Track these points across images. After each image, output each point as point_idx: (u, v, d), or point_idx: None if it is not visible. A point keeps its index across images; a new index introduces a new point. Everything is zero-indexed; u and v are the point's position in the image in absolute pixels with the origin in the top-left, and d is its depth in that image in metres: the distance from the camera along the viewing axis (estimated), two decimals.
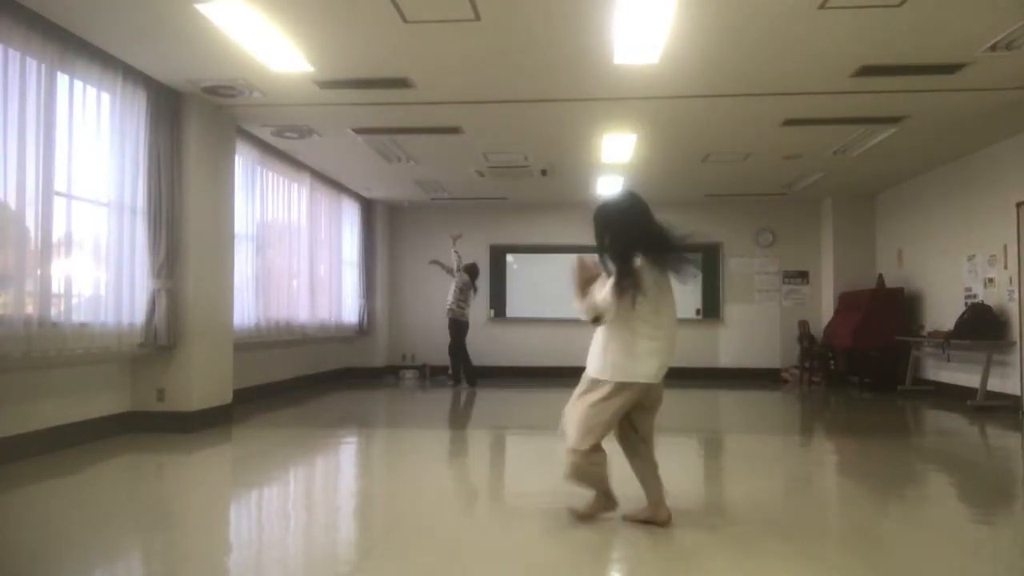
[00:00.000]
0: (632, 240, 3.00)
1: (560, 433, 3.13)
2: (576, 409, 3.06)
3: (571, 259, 3.30)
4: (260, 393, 7.49)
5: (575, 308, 3.13)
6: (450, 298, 9.29)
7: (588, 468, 3.05)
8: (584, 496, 3.23)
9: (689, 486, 4.14)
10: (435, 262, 9.55)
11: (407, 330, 10.97)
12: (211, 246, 5.89)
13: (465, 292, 9.35)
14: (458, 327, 9.32)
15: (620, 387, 2.97)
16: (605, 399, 2.99)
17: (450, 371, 9.55)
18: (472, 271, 9.52)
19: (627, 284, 2.89)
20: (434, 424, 6.70)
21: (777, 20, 4.35)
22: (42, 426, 4.55)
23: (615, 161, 7.86)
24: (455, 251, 9.31)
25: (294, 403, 7.47)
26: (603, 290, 2.98)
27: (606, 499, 3.20)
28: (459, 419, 7.10)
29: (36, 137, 4.27)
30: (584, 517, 3.20)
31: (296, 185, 8.13)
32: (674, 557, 2.79)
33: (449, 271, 9.41)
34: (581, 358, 3.21)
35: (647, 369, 2.97)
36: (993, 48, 4.71)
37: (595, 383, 3.04)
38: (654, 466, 3.17)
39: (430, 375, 10.39)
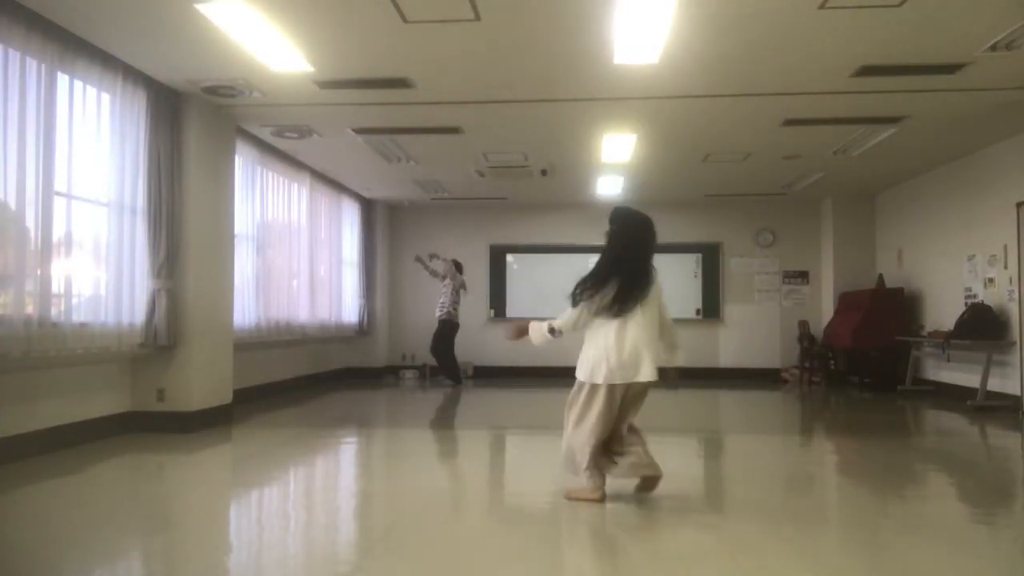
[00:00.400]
0: (615, 256, 3.44)
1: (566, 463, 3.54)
2: (568, 430, 3.49)
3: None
4: (260, 393, 7.49)
5: (535, 341, 3.58)
6: (445, 300, 9.33)
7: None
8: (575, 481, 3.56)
9: (689, 485, 4.14)
10: (419, 260, 9.61)
11: (407, 330, 10.96)
12: (211, 246, 5.90)
13: (459, 293, 9.41)
14: (452, 328, 9.39)
15: (593, 387, 3.37)
16: (585, 402, 3.40)
17: (448, 372, 9.56)
18: (460, 268, 9.56)
19: (584, 296, 3.37)
20: (434, 424, 6.70)
21: (777, 20, 4.35)
22: (42, 426, 4.55)
23: (615, 161, 7.86)
24: (441, 260, 9.36)
25: (294, 403, 7.48)
26: (563, 313, 3.45)
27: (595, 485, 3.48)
28: (459, 419, 7.10)
29: (36, 137, 4.27)
30: (572, 497, 3.49)
31: (296, 185, 8.13)
32: (674, 557, 2.79)
33: (434, 273, 9.47)
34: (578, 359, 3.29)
35: (620, 373, 3.31)
36: (993, 48, 4.71)
37: (579, 386, 3.46)
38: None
39: (430, 375, 10.40)
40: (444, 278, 9.41)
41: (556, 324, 3.48)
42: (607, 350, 3.31)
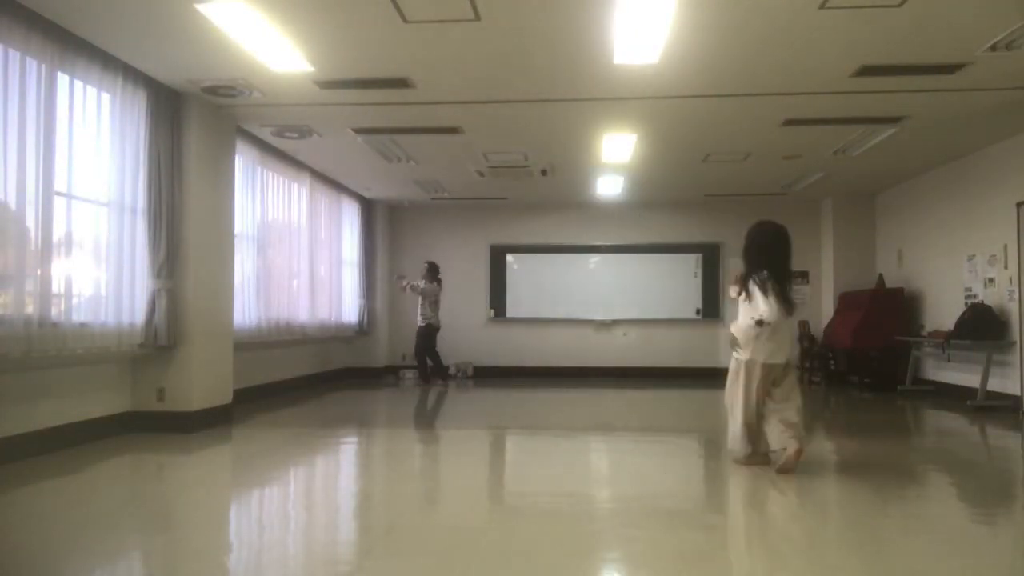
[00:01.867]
0: (757, 257, 4.64)
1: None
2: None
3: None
4: (260, 393, 7.49)
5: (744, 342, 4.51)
6: (428, 309, 9.46)
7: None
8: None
9: (689, 485, 4.14)
10: (401, 279, 9.81)
11: (407, 330, 10.93)
12: (211, 246, 5.89)
13: (439, 300, 9.58)
14: (434, 331, 9.56)
15: (745, 363, 4.29)
16: (737, 376, 4.32)
17: (427, 371, 9.62)
18: (436, 270, 9.64)
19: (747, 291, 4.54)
20: (434, 424, 6.70)
21: (777, 20, 4.35)
22: (42, 426, 4.55)
23: (615, 161, 7.86)
24: (413, 285, 9.55)
25: (294, 403, 7.48)
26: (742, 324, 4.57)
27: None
28: (460, 420, 7.10)
29: (36, 137, 4.27)
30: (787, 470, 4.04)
31: (296, 185, 8.13)
32: (674, 557, 2.79)
33: (420, 292, 9.53)
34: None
35: (765, 354, 4.36)
36: (993, 48, 4.71)
37: (736, 362, 4.39)
38: (780, 419, 4.23)
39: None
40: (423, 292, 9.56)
41: (739, 332, 4.53)
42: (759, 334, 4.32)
